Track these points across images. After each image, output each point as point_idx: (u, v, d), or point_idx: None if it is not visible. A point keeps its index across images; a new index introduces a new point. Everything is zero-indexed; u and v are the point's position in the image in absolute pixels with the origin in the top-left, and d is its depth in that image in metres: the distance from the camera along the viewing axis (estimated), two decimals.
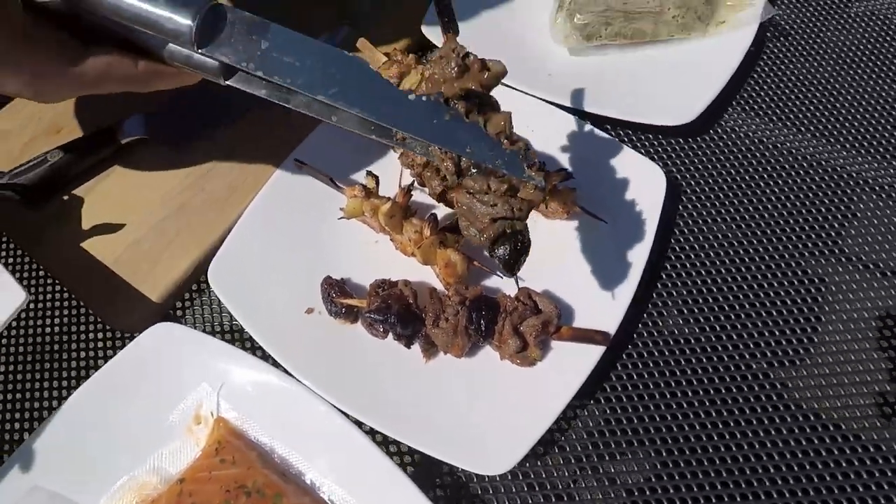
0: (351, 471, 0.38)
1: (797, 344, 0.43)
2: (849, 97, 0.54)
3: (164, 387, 0.41)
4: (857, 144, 0.52)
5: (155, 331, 0.42)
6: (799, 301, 0.45)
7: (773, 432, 0.40)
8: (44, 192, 0.50)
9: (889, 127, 0.52)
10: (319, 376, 0.40)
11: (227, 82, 0.37)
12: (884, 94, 0.54)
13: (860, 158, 0.51)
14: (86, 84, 0.36)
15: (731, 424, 0.40)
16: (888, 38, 0.58)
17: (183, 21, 0.33)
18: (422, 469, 0.40)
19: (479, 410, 0.40)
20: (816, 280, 0.45)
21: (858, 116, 0.53)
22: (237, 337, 0.45)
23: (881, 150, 0.51)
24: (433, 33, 0.56)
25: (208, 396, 0.40)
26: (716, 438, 0.40)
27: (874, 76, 0.55)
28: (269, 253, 0.46)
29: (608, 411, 0.41)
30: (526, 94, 0.51)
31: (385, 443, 0.41)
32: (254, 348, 0.44)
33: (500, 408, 0.40)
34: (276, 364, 0.41)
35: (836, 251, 0.47)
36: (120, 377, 0.41)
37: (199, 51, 0.34)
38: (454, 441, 0.38)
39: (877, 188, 0.49)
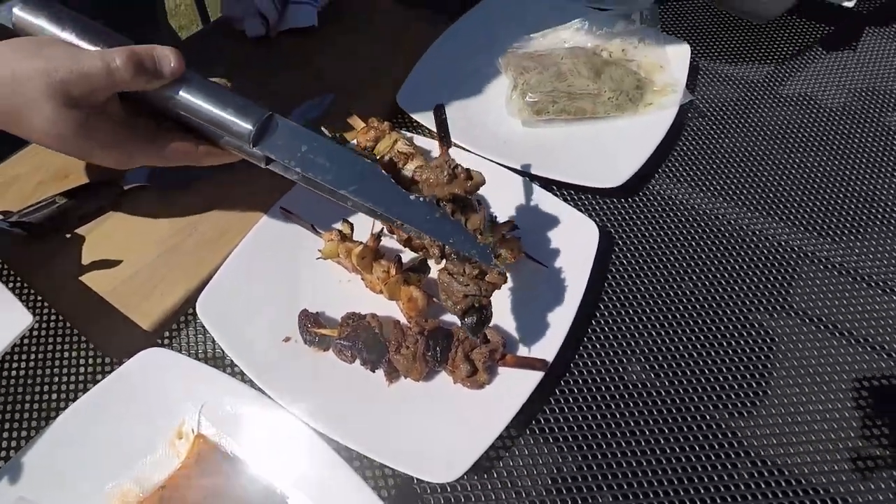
0: (318, 483, 0.42)
1: (742, 394, 0.49)
2: (763, 169, 0.64)
3: (151, 406, 0.45)
4: (774, 212, 0.60)
5: (144, 355, 0.47)
6: (728, 350, 0.51)
7: (725, 478, 0.44)
8: (49, 230, 0.56)
9: (810, 197, 0.62)
10: (293, 397, 0.46)
11: (268, 167, 0.45)
12: (803, 167, 0.64)
13: (778, 224, 0.60)
14: (157, 160, 0.45)
15: (679, 471, 0.45)
16: (815, 116, 0.68)
17: (245, 125, 0.42)
18: (395, 488, 0.44)
19: (433, 428, 0.45)
20: (754, 333, 0.52)
21: (776, 186, 0.62)
22: (220, 363, 0.50)
23: (802, 219, 0.60)
24: (406, 104, 0.65)
25: (190, 414, 0.45)
26: (665, 483, 0.44)
27: (796, 151, 0.65)
28: (253, 288, 0.52)
29: (560, 458, 0.46)
30: (484, 158, 0.60)
31: (350, 459, 0.45)
32: (234, 372, 0.49)
33: (451, 426, 0.45)
34: (253, 385, 0.46)
35: (776, 307, 0.54)
36: (109, 398, 0.45)
37: (253, 147, 0.43)
38: (411, 454, 0.43)
39: (806, 256, 0.57)
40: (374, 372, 0.47)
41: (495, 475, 0.45)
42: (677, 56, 0.70)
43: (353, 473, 0.41)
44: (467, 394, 0.47)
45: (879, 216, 0.60)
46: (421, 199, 0.43)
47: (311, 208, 0.55)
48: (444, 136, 0.52)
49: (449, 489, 0.44)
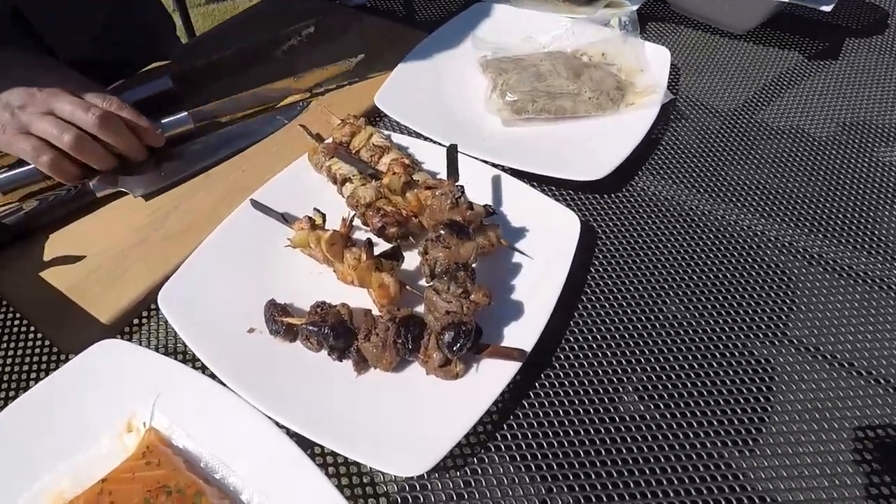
0: (278, 478, 0.39)
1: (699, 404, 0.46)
2: (750, 168, 0.63)
3: (101, 398, 0.42)
4: (764, 210, 0.58)
5: (99, 347, 0.45)
6: (717, 355, 0.49)
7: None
8: (15, 235, 0.54)
9: (804, 197, 0.60)
10: (255, 388, 0.43)
11: None
12: (793, 170, 0.63)
13: (771, 222, 0.58)
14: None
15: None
16: (802, 133, 0.68)
17: None
18: (360, 486, 0.41)
19: (402, 421, 0.42)
20: (750, 338, 0.50)
21: (766, 185, 0.61)
22: (180, 358, 0.47)
23: (798, 218, 0.57)
24: (384, 104, 0.65)
25: (143, 407, 0.42)
26: None
27: (784, 160, 0.64)
28: (219, 280, 0.50)
29: (539, 459, 0.42)
30: (465, 154, 0.59)
31: (313, 455, 0.42)
32: (195, 365, 0.46)
33: (421, 419, 0.42)
34: (213, 378, 0.43)
35: (771, 318, 0.52)
36: (58, 390, 0.43)
37: None
38: (377, 447, 0.40)
39: (808, 258, 0.54)
40: (341, 361, 0.44)
41: (468, 472, 0.41)
42: (657, 60, 0.70)
43: (316, 468, 0.38)
44: (440, 386, 0.44)
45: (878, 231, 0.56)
46: None
47: (281, 206, 0.54)
48: (452, 171, 0.52)
49: (418, 487, 0.41)
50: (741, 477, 0.40)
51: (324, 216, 0.51)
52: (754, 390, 0.45)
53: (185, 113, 0.63)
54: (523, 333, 0.46)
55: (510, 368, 0.44)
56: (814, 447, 0.42)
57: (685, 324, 0.50)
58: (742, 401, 0.44)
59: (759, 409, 0.44)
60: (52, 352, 0.48)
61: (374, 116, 0.67)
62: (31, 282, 0.51)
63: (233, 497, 0.38)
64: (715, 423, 0.43)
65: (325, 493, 0.37)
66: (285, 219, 0.52)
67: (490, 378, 0.44)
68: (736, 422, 0.43)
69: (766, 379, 0.45)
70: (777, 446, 0.42)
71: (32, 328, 0.50)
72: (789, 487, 0.40)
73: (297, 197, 0.56)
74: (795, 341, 0.47)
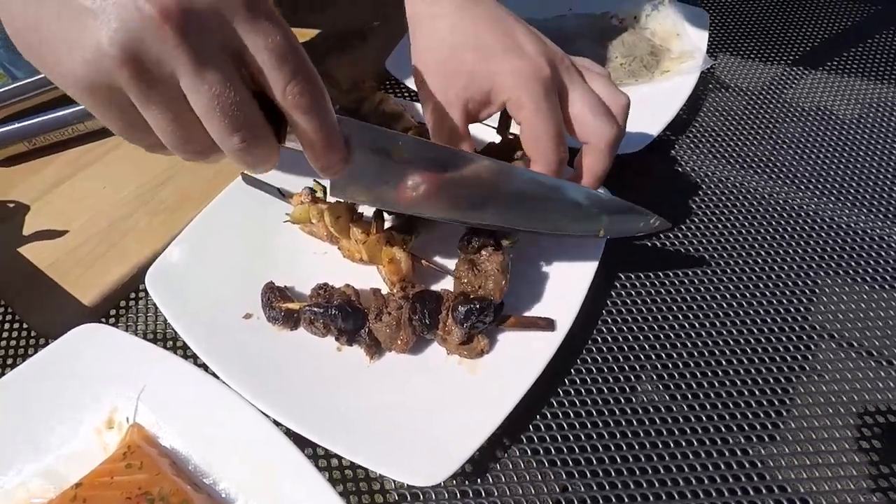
0: (274, 484, 0.34)
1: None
2: (790, 139, 0.57)
3: (81, 389, 0.38)
4: (807, 185, 0.53)
5: (79, 332, 0.40)
6: (764, 345, 0.44)
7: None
8: None
9: (836, 169, 0.55)
10: (251, 382, 0.38)
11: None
12: (825, 139, 0.57)
13: (808, 195, 0.53)
14: None
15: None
16: (831, 92, 0.62)
17: None
18: (369, 493, 0.37)
19: (415, 422, 0.37)
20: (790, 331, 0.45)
21: (803, 157, 0.56)
22: (169, 347, 0.43)
23: (835, 192, 0.53)
24: (395, 69, 0.59)
25: (127, 401, 0.37)
26: None
27: (813, 123, 0.59)
28: (212, 260, 0.45)
29: (570, 461, 0.38)
30: (485, 123, 0.53)
31: (314, 457, 0.38)
32: (186, 355, 0.41)
33: (438, 419, 0.37)
34: (204, 368, 0.39)
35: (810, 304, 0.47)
36: (32, 378, 0.38)
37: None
38: (391, 452, 0.35)
39: (841, 229, 0.50)
40: (350, 345, 0.40)
41: (480, 465, 0.37)
42: (695, 23, 0.64)
43: (318, 473, 0.33)
44: (456, 381, 0.39)
45: None
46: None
47: (284, 178, 0.49)
48: (504, 127, 0.47)
49: (446, 495, 0.36)
50: (760, 465, 0.37)
51: (324, 188, 0.46)
52: (775, 379, 0.41)
53: None
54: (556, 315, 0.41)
55: (535, 362, 0.39)
56: (836, 437, 0.39)
57: (708, 307, 0.45)
58: (763, 390, 0.41)
59: (780, 399, 0.40)
60: (29, 336, 0.44)
61: (385, 85, 0.61)
62: (7, 257, 0.47)
63: None
64: (738, 414, 0.40)
65: (328, 501, 0.33)
66: (282, 193, 0.47)
67: (513, 373, 0.39)
68: (757, 411, 0.40)
69: (787, 367, 0.42)
70: (799, 431, 0.39)
71: (9, 309, 0.45)
72: (812, 476, 0.37)
73: (301, 170, 0.50)
74: (818, 327, 0.44)
